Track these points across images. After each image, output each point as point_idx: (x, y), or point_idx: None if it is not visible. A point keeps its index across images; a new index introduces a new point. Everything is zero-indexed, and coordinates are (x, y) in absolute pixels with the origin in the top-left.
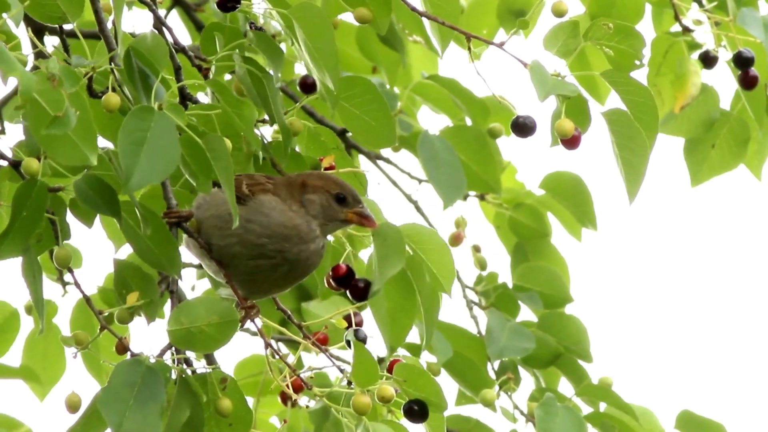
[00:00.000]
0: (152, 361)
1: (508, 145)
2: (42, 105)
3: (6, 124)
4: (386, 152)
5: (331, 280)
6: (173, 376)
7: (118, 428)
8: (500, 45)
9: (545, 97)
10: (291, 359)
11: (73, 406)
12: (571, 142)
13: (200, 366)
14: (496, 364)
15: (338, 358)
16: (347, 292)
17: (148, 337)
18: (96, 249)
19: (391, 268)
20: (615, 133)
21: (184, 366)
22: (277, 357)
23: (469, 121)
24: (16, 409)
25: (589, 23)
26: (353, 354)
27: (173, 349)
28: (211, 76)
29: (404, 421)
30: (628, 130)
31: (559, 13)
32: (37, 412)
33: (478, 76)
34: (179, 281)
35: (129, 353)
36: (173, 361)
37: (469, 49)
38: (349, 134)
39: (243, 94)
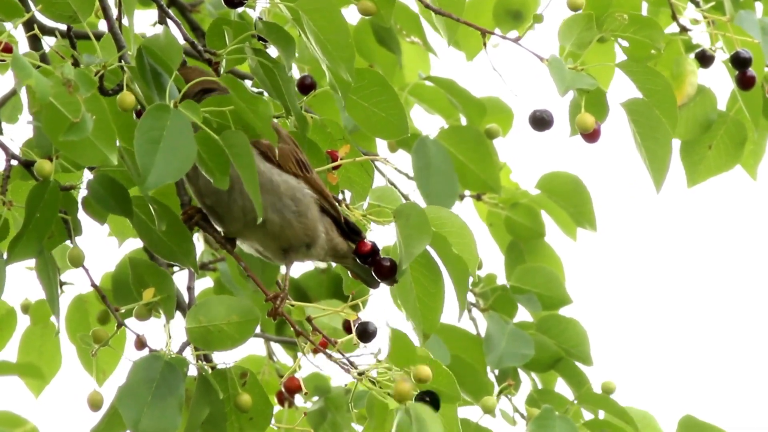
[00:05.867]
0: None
1: (503, 146)
2: (57, 110)
3: (4, 124)
4: (384, 152)
5: (356, 257)
6: (191, 372)
7: (136, 425)
8: (516, 40)
9: (565, 91)
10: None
11: (95, 404)
12: (591, 135)
13: (219, 362)
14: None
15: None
16: (372, 270)
17: (149, 334)
18: (92, 249)
19: (417, 246)
20: (636, 123)
21: (204, 363)
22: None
23: (464, 121)
24: (12, 407)
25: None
26: (389, 337)
27: (192, 346)
28: (221, 69)
29: None
30: (649, 120)
31: (574, 6)
32: (32, 410)
33: (477, 75)
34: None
35: (147, 349)
36: (194, 358)
37: (485, 44)
38: (351, 132)
39: None
